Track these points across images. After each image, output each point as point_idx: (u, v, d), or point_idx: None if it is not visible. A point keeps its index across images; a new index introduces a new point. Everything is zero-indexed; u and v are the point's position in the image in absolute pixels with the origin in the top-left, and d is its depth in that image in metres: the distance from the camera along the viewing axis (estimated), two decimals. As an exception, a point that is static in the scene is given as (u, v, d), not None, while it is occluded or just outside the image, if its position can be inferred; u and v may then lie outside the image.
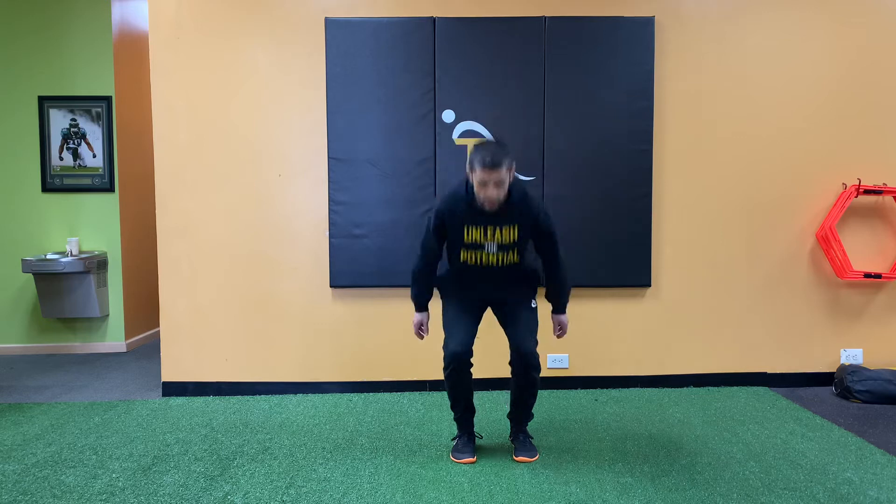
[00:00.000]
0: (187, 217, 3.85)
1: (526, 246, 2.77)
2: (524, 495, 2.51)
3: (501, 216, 2.66)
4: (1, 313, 5.05)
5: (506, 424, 3.30)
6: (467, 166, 2.61)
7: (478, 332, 2.86)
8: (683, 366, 3.99)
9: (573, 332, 3.93)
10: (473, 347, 2.78)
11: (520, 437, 2.93)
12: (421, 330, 2.94)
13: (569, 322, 2.96)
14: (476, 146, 2.62)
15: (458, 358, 2.72)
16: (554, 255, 2.77)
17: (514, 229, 2.67)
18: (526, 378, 2.79)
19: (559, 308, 2.90)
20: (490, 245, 2.69)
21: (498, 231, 2.67)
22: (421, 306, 2.92)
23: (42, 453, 2.96)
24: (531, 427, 3.16)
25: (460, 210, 2.68)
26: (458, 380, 2.79)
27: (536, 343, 2.78)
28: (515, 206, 2.66)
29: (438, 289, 2.96)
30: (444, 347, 2.77)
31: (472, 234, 2.68)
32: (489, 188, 2.54)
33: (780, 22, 3.89)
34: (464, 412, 2.90)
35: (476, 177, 2.55)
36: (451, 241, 2.77)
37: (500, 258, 2.72)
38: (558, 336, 2.94)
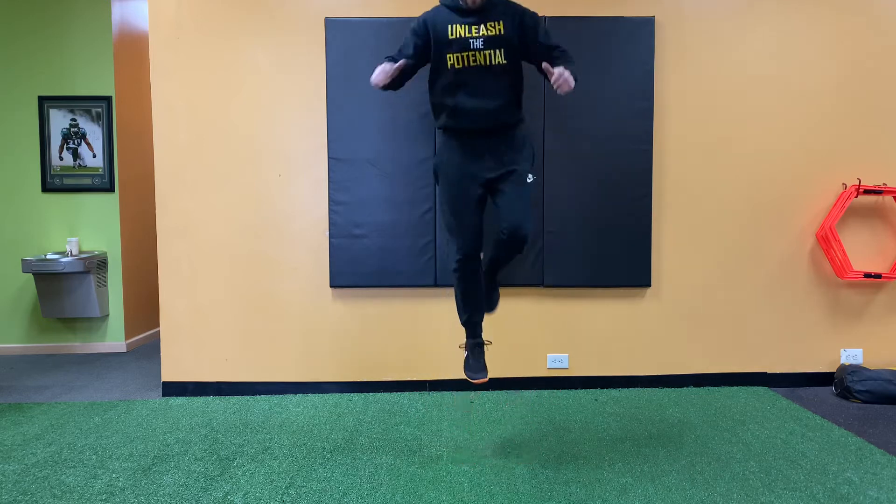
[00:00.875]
0: (187, 217, 3.85)
1: (513, 49, 2.67)
2: (524, 495, 2.51)
3: (486, 13, 2.65)
4: (1, 313, 5.05)
5: (505, 426, 3.30)
6: None
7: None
8: (683, 366, 3.99)
9: (573, 331, 3.94)
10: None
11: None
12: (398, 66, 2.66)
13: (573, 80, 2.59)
14: None
15: (468, 258, 2.71)
16: (549, 46, 2.69)
17: (499, 24, 2.64)
18: (513, 251, 2.73)
19: (566, 63, 2.63)
20: (476, 41, 2.64)
21: (483, 26, 2.64)
22: (393, 59, 2.71)
23: (42, 453, 2.96)
24: (528, 425, 3.15)
25: (444, 13, 2.70)
26: (468, 277, 2.76)
27: (532, 224, 2.70)
28: (499, 4, 2.67)
29: (435, 173, 2.89)
30: (451, 248, 2.71)
31: (458, 30, 2.65)
32: None
33: (780, 22, 3.89)
34: (473, 312, 2.85)
35: None
36: (437, 48, 2.69)
37: (488, 56, 2.64)
38: (558, 82, 2.53)
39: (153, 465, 2.83)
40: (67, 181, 5.01)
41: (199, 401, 3.78)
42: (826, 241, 3.90)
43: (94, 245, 5.07)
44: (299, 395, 3.86)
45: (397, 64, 2.64)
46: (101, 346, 5.08)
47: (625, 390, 3.93)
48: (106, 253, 5.05)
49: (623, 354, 3.96)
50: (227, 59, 3.80)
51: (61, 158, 5.00)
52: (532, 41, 2.70)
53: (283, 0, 3.79)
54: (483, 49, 2.63)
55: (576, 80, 2.56)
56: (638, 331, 3.96)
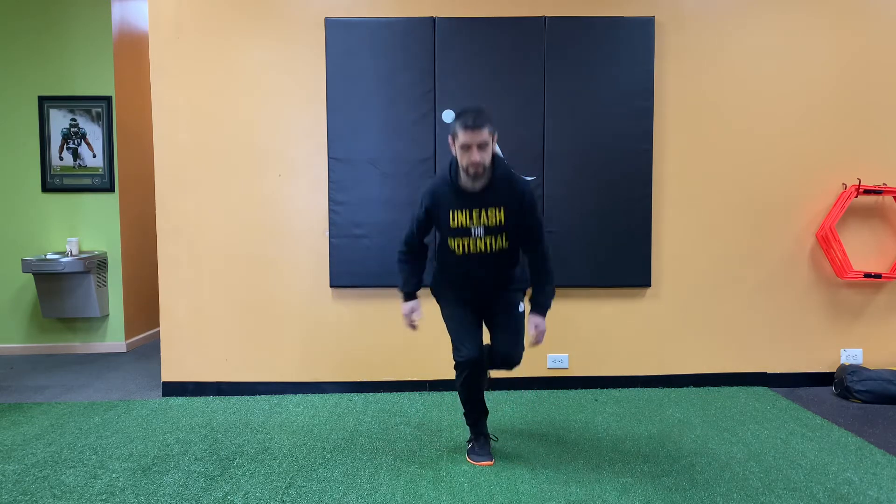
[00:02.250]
0: (187, 217, 3.85)
1: (514, 234, 2.68)
2: (524, 495, 2.51)
3: (486, 197, 2.60)
4: (1, 313, 5.05)
5: (505, 426, 3.30)
6: (449, 138, 2.59)
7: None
8: (683, 366, 3.99)
9: (573, 331, 3.94)
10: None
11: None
12: (413, 318, 2.80)
13: (544, 327, 2.73)
14: (456, 113, 2.58)
15: (474, 364, 2.67)
16: (537, 243, 2.70)
17: (500, 211, 2.60)
18: (504, 368, 2.83)
19: (538, 307, 2.72)
20: (477, 229, 2.63)
21: (483, 213, 2.60)
22: (409, 294, 2.82)
23: (42, 453, 2.96)
24: (528, 424, 3.15)
25: (445, 195, 2.65)
26: (473, 385, 2.76)
27: (523, 349, 2.76)
28: (500, 185, 2.60)
29: (434, 295, 2.92)
30: (457, 354, 2.69)
31: (458, 218, 2.63)
32: (473, 152, 2.48)
33: (780, 22, 3.89)
34: (479, 416, 2.88)
35: (459, 142, 2.50)
36: (439, 229, 2.73)
37: (489, 243, 2.64)
38: (533, 343, 2.72)
39: (153, 465, 2.83)
40: (67, 181, 5.01)
41: (199, 401, 3.78)
42: (826, 241, 3.90)
43: (94, 245, 5.07)
44: (299, 395, 3.86)
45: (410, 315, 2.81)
46: (101, 346, 5.08)
47: (625, 390, 3.93)
48: (106, 253, 5.05)
49: (623, 354, 3.96)
50: (228, 60, 3.80)
51: (61, 158, 5.00)
52: (526, 231, 2.70)
53: (284, 0, 3.79)
54: (484, 237, 2.64)
55: (546, 309, 2.74)
56: (638, 331, 3.96)
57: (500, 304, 2.82)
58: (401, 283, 2.83)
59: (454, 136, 2.53)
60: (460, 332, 2.73)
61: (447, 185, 2.65)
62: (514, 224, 2.64)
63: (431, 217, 2.71)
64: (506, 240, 2.66)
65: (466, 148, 2.49)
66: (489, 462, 2.80)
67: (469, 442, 2.92)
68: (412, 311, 2.81)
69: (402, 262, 2.83)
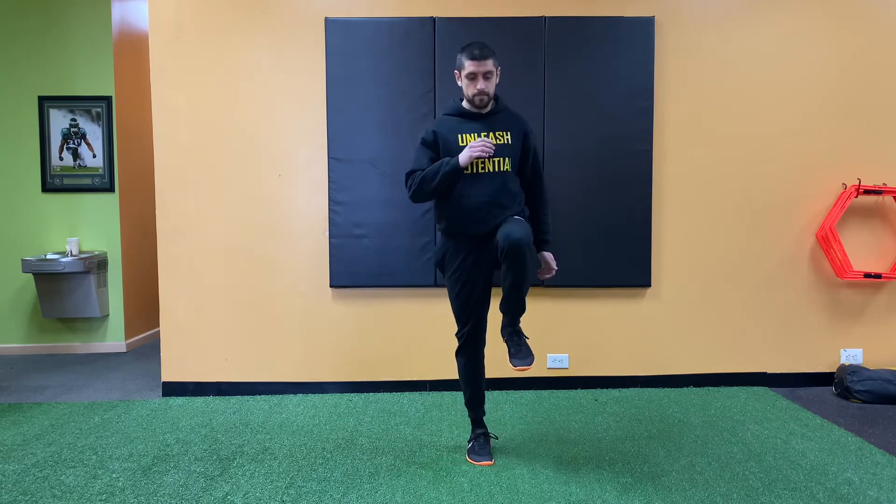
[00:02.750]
0: (187, 217, 3.85)
1: (517, 158, 2.76)
2: (524, 495, 2.51)
3: (493, 121, 2.74)
4: (1, 313, 5.05)
5: (505, 426, 3.30)
6: (455, 72, 2.73)
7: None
8: (683, 366, 3.99)
9: (573, 331, 3.94)
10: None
11: (514, 338, 2.70)
12: (484, 142, 2.60)
13: (557, 263, 2.89)
14: (461, 47, 2.71)
15: (470, 344, 2.81)
16: (537, 171, 2.84)
17: (506, 134, 2.73)
18: (515, 265, 2.55)
19: (545, 243, 2.88)
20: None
21: (491, 134, 2.72)
22: (451, 160, 2.64)
23: (42, 453, 2.96)
24: (528, 426, 3.15)
25: (452, 122, 2.76)
26: (469, 361, 2.84)
27: (526, 233, 2.57)
28: (505, 113, 2.78)
29: (440, 269, 2.88)
30: (458, 332, 2.82)
31: (467, 138, 2.71)
32: (479, 81, 2.64)
33: (780, 22, 3.89)
34: (476, 393, 2.87)
35: (465, 71, 2.65)
36: (448, 155, 2.73)
37: (497, 163, 2.70)
38: (543, 277, 2.88)
39: (153, 465, 2.83)
40: (67, 181, 5.01)
41: (199, 401, 3.78)
42: (826, 241, 3.90)
43: (94, 245, 5.07)
44: (299, 395, 3.86)
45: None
46: (101, 346, 5.08)
47: (625, 390, 3.93)
48: (106, 253, 5.05)
49: (623, 354, 3.96)
50: (227, 60, 3.80)
51: (61, 158, 5.00)
52: (526, 160, 2.81)
53: (284, 0, 3.79)
54: (492, 156, 2.69)
55: (552, 239, 2.89)
56: (638, 331, 3.96)
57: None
58: (438, 172, 2.65)
59: (460, 68, 2.68)
60: (464, 312, 2.79)
61: (454, 113, 2.78)
62: (517, 149, 2.76)
63: (439, 142, 2.74)
64: (509, 164, 2.73)
65: (472, 77, 2.64)
66: (489, 462, 2.80)
67: (469, 441, 2.92)
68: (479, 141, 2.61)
69: (420, 173, 2.71)
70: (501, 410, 3.54)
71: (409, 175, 2.78)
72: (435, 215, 2.97)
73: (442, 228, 2.84)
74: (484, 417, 2.96)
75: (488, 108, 2.75)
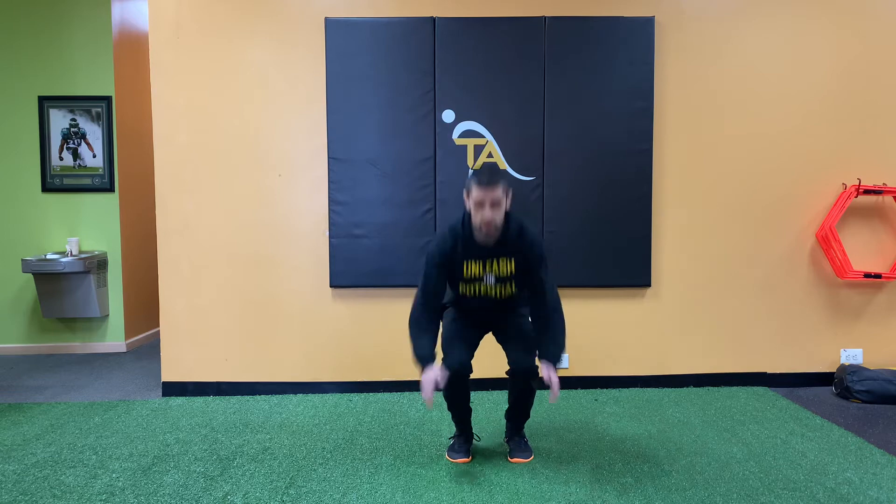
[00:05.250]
0: (187, 217, 3.85)
1: (522, 278, 2.74)
2: (524, 495, 2.51)
3: (499, 249, 2.65)
4: (1, 313, 5.04)
5: (505, 426, 3.29)
6: (464, 192, 2.62)
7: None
8: (683, 366, 3.99)
9: (573, 331, 3.93)
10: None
11: (515, 439, 2.93)
12: (436, 388, 2.56)
13: (558, 379, 2.60)
14: (472, 172, 2.65)
15: (456, 374, 2.65)
16: (542, 294, 2.67)
17: (510, 262, 2.66)
18: (525, 387, 2.78)
19: (547, 354, 2.64)
20: (489, 277, 2.69)
21: (496, 263, 2.67)
22: (428, 358, 2.60)
23: (42, 453, 2.96)
24: (528, 426, 3.16)
25: (458, 247, 2.66)
26: (455, 393, 2.76)
27: (535, 356, 2.74)
28: (512, 239, 2.64)
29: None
30: (443, 363, 2.68)
31: (472, 268, 2.68)
32: (486, 209, 2.52)
33: (780, 22, 3.89)
34: (461, 415, 2.88)
35: (472, 198, 2.54)
36: (451, 278, 2.76)
37: (499, 290, 2.72)
38: (552, 399, 2.60)
39: (153, 465, 2.83)
40: (67, 181, 5.01)
41: (199, 401, 3.78)
42: (826, 241, 3.90)
43: (94, 245, 5.07)
44: (299, 395, 3.86)
45: (435, 378, 2.57)
46: (101, 346, 5.08)
47: (625, 390, 3.93)
48: (106, 253, 5.05)
49: (623, 354, 3.96)
50: (228, 60, 3.80)
51: (61, 158, 5.00)
52: (530, 272, 2.69)
53: (284, 0, 3.79)
54: (495, 284, 2.70)
55: (558, 359, 2.68)
56: (638, 331, 3.96)
57: (510, 319, 2.86)
58: (419, 348, 2.63)
59: (468, 192, 2.57)
60: (452, 342, 2.76)
61: (460, 237, 2.66)
62: (522, 272, 2.70)
63: (446, 272, 2.72)
64: (514, 287, 2.73)
65: (480, 205, 2.53)
66: (465, 459, 2.83)
67: (451, 438, 2.96)
68: (435, 379, 2.54)
69: (419, 321, 2.71)
70: (501, 411, 3.53)
71: (416, 303, 2.76)
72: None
73: (449, 299, 2.89)
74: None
75: (495, 237, 2.61)
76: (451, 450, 2.90)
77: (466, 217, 2.65)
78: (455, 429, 2.96)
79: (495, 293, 2.73)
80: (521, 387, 2.79)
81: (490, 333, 2.93)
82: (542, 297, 2.69)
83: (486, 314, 2.86)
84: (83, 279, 4.83)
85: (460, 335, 2.79)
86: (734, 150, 3.93)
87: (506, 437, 3.00)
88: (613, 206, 3.83)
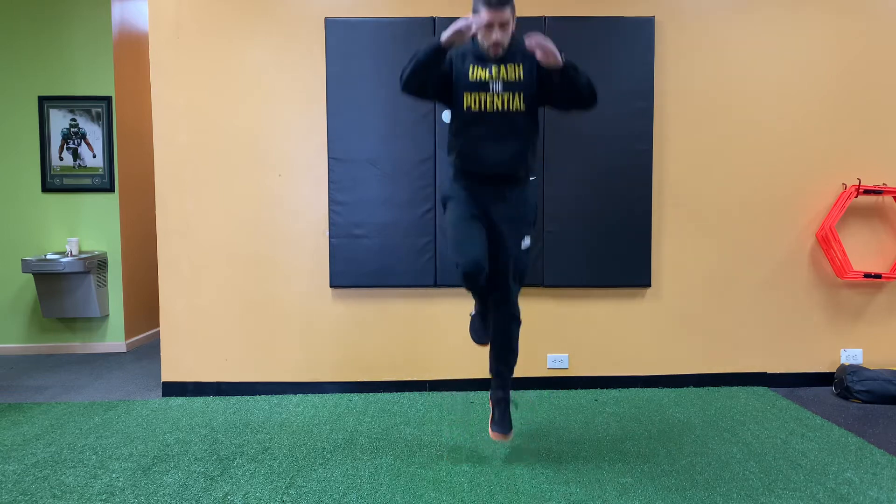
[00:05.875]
0: (187, 217, 3.85)
1: (532, 95, 2.61)
2: (524, 495, 2.51)
3: (506, 58, 2.58)
4: (1, 313, 5.04)
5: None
6: (472, 13, 2.53)
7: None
8: (683, 366, 3.99)
9: (573, 331, 3.94)
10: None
11: (502, 405, 2.81)
12: (463, 29, 2.43)
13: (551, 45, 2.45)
14: None
15: (473, 277, 2.55)
16: (575, 73, 2.49)
17: (518, 67, 2.58)
18: (501, 330, 2.70)
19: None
20: (496, 84, 2.59)
21: (503, 68, 2.58)
22: (433, 41, 2.46)
23: (42, 453, 2.96)
24: (528, 426, 3.15)
25: (466, 54, 2.61)
26: (475, 286, 2.65)
27: (519, 289, 2.66)
28: (519, 48, 2.57)
29: (443, 200, 2.82)
30: (458, 260, 2.57)
31: (478, 72, 2.59)
32: (494, 31, 2.47)
33: (780, 22, 3.89)
34: (483, 294, 2.76)
35: (481, 19, 2.46)
36: (457, 85, 2.63)
37: (506, 100, 2.59)
38: (544, 61, 2.46)
39: (153, 465, 2.83)
40: (67, 181, 5.01)
41: (199, 401, 3.78)
42: (826, 241, 3.90)
43: (94, 245, 5.07)
44: (299, 395, 3.86)
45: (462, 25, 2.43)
46: (101, 346, 5.08)
47: (625, 390, 3.93)
48: (106, 253, 5.05)
49: (623, 354, 3.96)
50: (228, 60, 3.80)
51: (61, 158, 5.00)
52: (547, 74, 2.55)
53: (284, 0, 3.79)
54: (502, 93, 2.60)
55: (572, 66, 2.48)
56: (638, 331, 3.96)
57: (507, 229, 2.68)
58: (418, 54, 2.50)
59: (476, 12, 2.50)
60: (461, 243, 2.60)
61: (469, 49, 2.62)
62: (533, 84, 2.59)
63: (452, 67, 2.62)
64: (522, 101, 2.60)
65: (489, 26, 2.47)
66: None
67: (472, 315, 2.91)
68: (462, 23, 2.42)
69: (408, 63, 2.53)
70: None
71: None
72: (447, 145, 2.81)
73: (450, 161, 2.77)
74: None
75: (502, 53, 2.56)
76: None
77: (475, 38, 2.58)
78: (476, 305, 2.91)
79: (503, 105, 2.59)
80: (498, 323, 2.68)
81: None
82: (578, 78, 2.53)
83: (495, 169, 2.65)
84: (83, 279, 4.83)
85: (468, 231, 2.63)
86: (734, 150, 3.93)
87: (490, 396, 2.85)
88: (613, 206, 3.83)
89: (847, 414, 3.50)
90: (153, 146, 3.86)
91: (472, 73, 2.61)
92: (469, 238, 2.60)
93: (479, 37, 2.54)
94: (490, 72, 2.59)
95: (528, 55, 2.54)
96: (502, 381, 2.87)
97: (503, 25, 2.48)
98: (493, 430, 2.81)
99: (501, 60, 2.59)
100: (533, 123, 2.70)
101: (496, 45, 2.51)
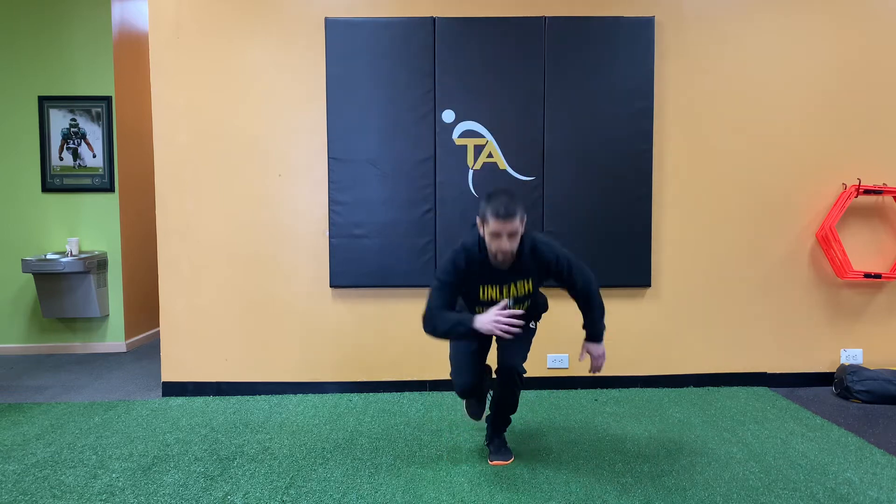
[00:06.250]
0: (187, 217, 3.85)
1: (538, 293, 2.80)
2: (524, 495, 2.51)
3: (515, 271, 2.62)
4: (1, 313, 5.04)
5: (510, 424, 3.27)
6: (478, 219, 2.56)
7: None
8: (683, 366, 3.99)
9: (573, 332, 3.93)
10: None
11: (496, 441, 2.91)
12: (501, 317, 2.51)
13: (603, 351, 2.81)
14: (487, 196, 2.55)
15: (466, 395, 2.86)
16: (585, 285, 2.70)
17: (528, 282, 2.66)
18: (509, 385, 2.74)
19: (595, 335, 2.79)
20: (507, 301, 2.66)
21: (514, 286, 2.65)
22: (467, 318, 2.55)
23: (42, 453, 2.96)
24: (528, 425, 3.16)
25: (475, 269, 2.61)
26: (473, 405, 3.02)
27: (524, 360, 2.75)
28: (527, 259, 2.62)
29: None
30: (455, 382, 2.82)
31: (489, 292, 2.66)
32: (503, 240, 2.49)
33: (781, 22, 3.89)
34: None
35: (489, 228, 2.49)
36: (465, 296, 2.72)
37: (516, 308, 2.68)
38: (593, 371, 2.82)
39: (153, 465, 2.83)
40: (67, 181, 5.01)
41: (199, 401, 3.78)
42: (826, 241, 3.90)
43: (94, 245, 5.07)
44: (299, 395, 3.86)
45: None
46: (101, 346, 5.08)
47: (625, 390, 3.93)
48: (106, 253, 5.05)
49: (623, 354, 3.96)
50: (228, 59, 3.80)
51: (61, 158, 5.00)
52: (560, 281, 2.71)
53: (284, 0, 3.79)
54: (513, 306, 2.67)
55: (601, 333, 2.82)
56: (638, 331, 3.96)
57: (514, 343, 2.77)
58: (452, 329, 2.58)
59: (484, 220, 2.51)
60: (461, 369, 2.81)
61: (476, 260, 2.61)
62: (541, 284, 2.74)
63: (458, 290, 2.67)
64: (530, 301, 2.76)
65: (496, 235, 2.49)
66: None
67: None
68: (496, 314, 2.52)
69: (433, 318, 2.59)
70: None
71: (426, 318, 2.62)
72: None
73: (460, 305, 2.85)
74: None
75: (510, 262, 2.61)
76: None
77: (481, 241, 2.59)
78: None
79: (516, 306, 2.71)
80: (505, 384, 2.74)
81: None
82: (587, 290, 2.73)
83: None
84: (83, 279, 4.83)
85: (465, 357, 2.80)
86: (734, 149, 3.92)
87: (486, 440, 2.97)
88: (613, 206, 3.83)
89: (847, 414, 3.50)
90: (153, 146, 3.86)
91: (483, 293, 2.67)
92: (466, 367, 2.80)
93: (487, 242, 2.55)
94: (500, 291, 2.66)
95: (538, 266, 2.64)
96: (502, 430, 2.96)
97: (511, 235, 2.50)
98: (492, 460, 2.85)
99: (511, 277, 2.64)
100: (537, 291, 2.81)
101: (504, 253, 2.53)
